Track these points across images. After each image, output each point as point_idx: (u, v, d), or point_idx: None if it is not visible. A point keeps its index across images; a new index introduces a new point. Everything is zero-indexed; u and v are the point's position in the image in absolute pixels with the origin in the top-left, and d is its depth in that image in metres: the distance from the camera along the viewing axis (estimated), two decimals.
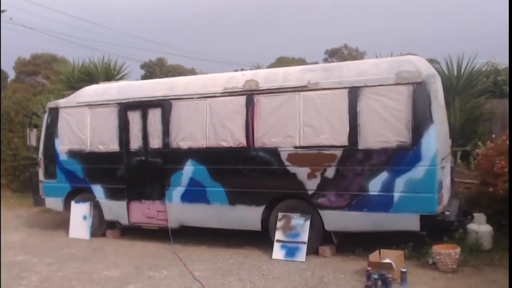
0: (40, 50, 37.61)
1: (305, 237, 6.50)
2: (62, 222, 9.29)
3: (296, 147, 6.57)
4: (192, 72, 35.53)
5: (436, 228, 6.18)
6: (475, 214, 6.59)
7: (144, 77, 33.10)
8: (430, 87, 5.95)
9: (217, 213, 7.15)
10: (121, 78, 12.93)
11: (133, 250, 7.47)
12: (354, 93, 6.23)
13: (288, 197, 6.75)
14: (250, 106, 6.87)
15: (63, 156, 8.48)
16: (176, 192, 7.43)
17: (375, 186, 6.13)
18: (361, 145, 6.19)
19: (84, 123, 8.25)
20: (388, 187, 6.06)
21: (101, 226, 8.37)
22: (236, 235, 7.29)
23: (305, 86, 6.57)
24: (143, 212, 7.81)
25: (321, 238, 6.60)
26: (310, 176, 6.48)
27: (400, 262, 5.62)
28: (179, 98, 7.43)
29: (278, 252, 6.58)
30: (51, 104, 8.82)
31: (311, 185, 6.49)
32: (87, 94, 8.46)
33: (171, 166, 7.47)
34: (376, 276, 5.20)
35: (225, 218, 7.12)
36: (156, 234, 7.89)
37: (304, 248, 6.46)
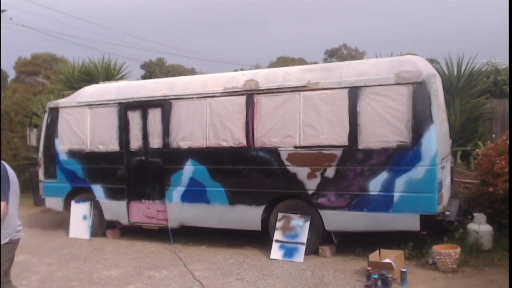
0: (40, 50, 37.64)
1: (304, 238, 6.50)
2: (62, 222, 9.29)
3: (296, 147, 6.57)
4: (192, 72, 35.53)
5: (436, 228, 6.19)
6: (475, 214, 6.59)
7: (144, 77, 33.10)
8: (430, 87, 5.95)
9: (217, 213, 7.15)
10: (121, 78, 12.94)
11: (133, 250, 7.47)
12: (354, 93, 6.23)
13: (288, 197, 6.75)
14: (250, 106, 6.87)
15: (63, 156, 8.48)
16: (176, 192, 7.43)
17: (375, 186, 6.13)
18: (361, 145, 6.19)
19: (84, 123, 8.24)
20: (388, 187, 6.06)
21: (101, 226, 8.37)
22: (236, 235, 7.29)
23: (305, 86, 6.57)
24: (143, 212, 7.81)
25: (321, 238, 6.61)
26: (310, 176, 6.48)
27: (400, 262, 5.63)
28: (179, 98, 7.43)
29: (276, 252, 6.58)
30: (51, 104, 8.82)
31: (311, 185, 6.49)
32: (87, 94, 8.46)
33: (171, 166, 7.47)
34: (376, 276, 5.20)
35: (225, 218, 7.11)
36: (156, 234, 7.89)
37: (302, 249, 6.45)
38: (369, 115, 6.14)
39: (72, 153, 8.37)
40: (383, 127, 6.06)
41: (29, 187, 10.04)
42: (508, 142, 6.55)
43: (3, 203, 3.73)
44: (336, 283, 5.51)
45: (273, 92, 6.76)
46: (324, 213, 6.47)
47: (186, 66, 39.80)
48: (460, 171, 8.35)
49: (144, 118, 7.71)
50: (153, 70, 36.21)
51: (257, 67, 26.69)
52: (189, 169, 7.30)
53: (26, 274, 6.37)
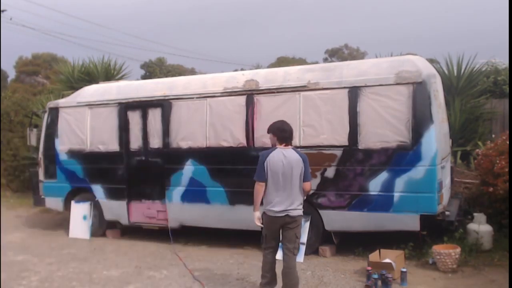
0: (40, 50, 37.68)
1: (304, 238, 6.48)
2: (62, 222, 9.29)
3: (296, 147, 6.54)
4: (192, 72, 35.53)
5: (436, 228, 6.19)
6: (475, 214, 6.59)
7: (144, 77, 33.09)
8: (430, 87, 5.95)
9: (217, 213, 7.14)
10: (121, 78, 12.93)
11: (133, 250, 7.46)
12: (354, 93, 6.23)
13: None
14: (250, 106, 6.87)
15: (63, 156, 8.48)
16: (176, 192, 7.43)
17: (375, 186, 6.13)
18: (361, 145, 6.19)
19: (84, 123, 8.24)
20: (388, 187, 6.06)
21: (101, 226, 8.36)
22: (236, 235, 7.29)
23: (305, 86, 6.57)
24: (143, 212, 7.81)
25: (321, 238, 6.60)
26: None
27: (400, 262, 5.62)
28: (179, 98, 7.43)
29: None
30: (51, 104, 8.82)
31: (311, 185, 6.47)
32: (87, 94, 8.46)
33: (171, 166, 7.47)
34: (376, 276, 5.20)
35: (225, 218, 7.11)
36: (156, 234, 7.89)
37: (302, 249, 6.41)
38: (369, 115, 6.14)
39: (72, 153, 8.37)
40: (383, 127, 6.06)
41: (29, 187, 10.05)
42: (508, 142, 6.55)
43: None
44: (336, 283, 5.51)
45: (273, 92, 6.76)
46: (324, 213, 6.47)
47: (186, 66, 39.85)
48: (460, 171, 8.35)
49: (144, 118, 7.71)
50: (153, 70, 36.24)
51: (257, 67, 26.67)
52: (189, 169, 7.30)
53: (26, 274, 6.37)
